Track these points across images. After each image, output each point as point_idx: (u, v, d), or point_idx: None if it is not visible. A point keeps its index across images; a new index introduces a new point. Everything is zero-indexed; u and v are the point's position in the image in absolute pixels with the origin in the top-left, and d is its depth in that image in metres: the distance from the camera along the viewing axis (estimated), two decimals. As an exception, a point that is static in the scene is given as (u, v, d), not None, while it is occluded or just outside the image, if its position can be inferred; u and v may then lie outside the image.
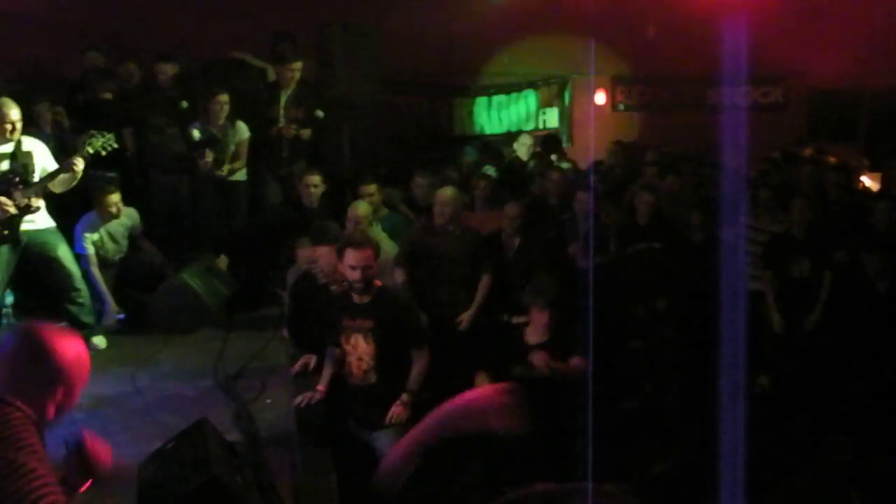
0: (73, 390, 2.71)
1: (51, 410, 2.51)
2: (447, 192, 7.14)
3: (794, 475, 5.36)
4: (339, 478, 5.07)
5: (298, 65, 8.80)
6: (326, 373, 5.82)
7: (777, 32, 10.44)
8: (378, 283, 5.57)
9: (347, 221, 7.05)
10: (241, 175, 8.78)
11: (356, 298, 5.49)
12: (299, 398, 5.68)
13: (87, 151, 6.70)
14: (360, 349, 5.47)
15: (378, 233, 7.28)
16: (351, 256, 5.36)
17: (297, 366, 6.38)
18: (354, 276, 5.38)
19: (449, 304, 6.97)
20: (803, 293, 7.31)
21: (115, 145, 6.92)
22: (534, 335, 6.30)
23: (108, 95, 8.89)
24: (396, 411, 5.41)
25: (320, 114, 8.85)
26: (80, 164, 6.61)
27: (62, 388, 2.57)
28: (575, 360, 5.98)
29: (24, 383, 2.39)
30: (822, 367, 7.03)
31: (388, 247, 7.03)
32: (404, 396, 5.45)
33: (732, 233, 6.94)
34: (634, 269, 7.42)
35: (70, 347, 2.73)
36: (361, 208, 7.14)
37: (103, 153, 6.86)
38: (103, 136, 6.78)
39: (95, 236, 7.58)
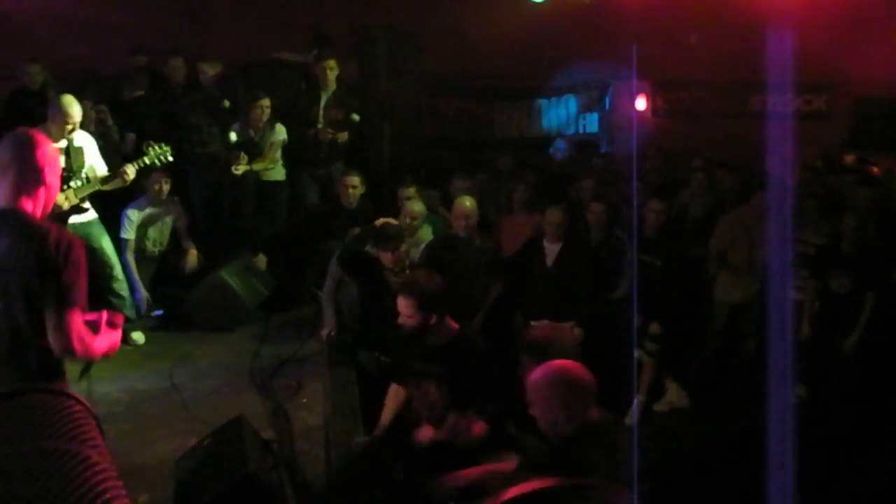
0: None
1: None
2: (464, 203, 7.08)
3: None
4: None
5: (333, 63, 8.82)
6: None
7: (821, 40, 10.32)
8: (454, 325, 5.06)
9: (403, 216, 7.20)
10: (279, 175, 8.83)
11: (430, 340, 5.01)
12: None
13: (143, 161, 6.79)
14: (431, 397, 5.00)
15: (427, 234, 7.40)
16: (399, 303, 4.98)
17: (324, 333, 6.89)
18: (404, 321, 4.99)
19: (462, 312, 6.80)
20: (843, 310, 7.15)
21: (171, 158, 6.99)
22: None
23: (143, 93, 9.03)
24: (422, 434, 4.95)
25: (356, 118, 8.86)
26: (131, 172, 6.69)
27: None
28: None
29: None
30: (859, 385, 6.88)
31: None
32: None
33: (780, 245, 6.82)
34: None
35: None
36: (417, 207, 7.24)
37: (157, 164, 6.97)
38: (160, 148, 6.86)
39: (140, 219, 7.73)
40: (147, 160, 6.82)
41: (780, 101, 9.40)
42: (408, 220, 7.26)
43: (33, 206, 3.50)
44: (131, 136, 8.76)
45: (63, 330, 3.36)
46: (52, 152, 3.64)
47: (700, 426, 6.90)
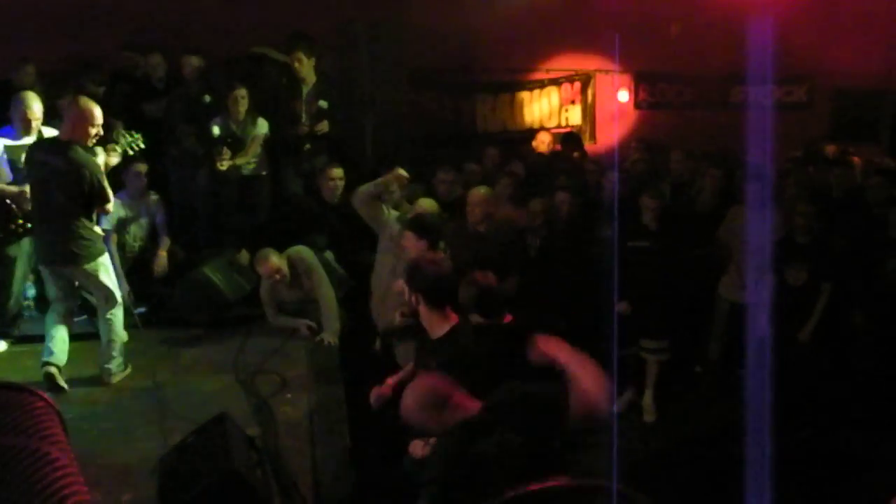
0: None
1: None
2: (479, 192, 7.07)
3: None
4: (357, 471, 5.07)
5: (300, 55, 8.79)
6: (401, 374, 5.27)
7: (801, 31, 10.35)
8: (455, 318, 4.95)
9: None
10: (261, 169, 8.80)
11: (430, 333, 4.92)
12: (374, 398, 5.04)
13: (115, 149, 6.78)
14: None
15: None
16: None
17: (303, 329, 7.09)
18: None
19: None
20: (799, 303, 7.11)
21: (142, 145, 7.02)
22: None
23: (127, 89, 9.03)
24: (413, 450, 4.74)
25: (324, 104, 8.82)
26: (113, 158, 6.70)
27: None
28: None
29: None
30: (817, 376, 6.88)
31: None
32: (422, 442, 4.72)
33: (759, 238, 6.82)
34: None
35: None
36: (427, 204, 7.17)
37: (130, 152, 6.98)
38: (131, 136, 6.90)
39: (119, 213, 7.71)
40: (119, 148, 6.80)
41: (761, 92, 9.39)
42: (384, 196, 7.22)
43: None
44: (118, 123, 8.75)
45: None
46: None
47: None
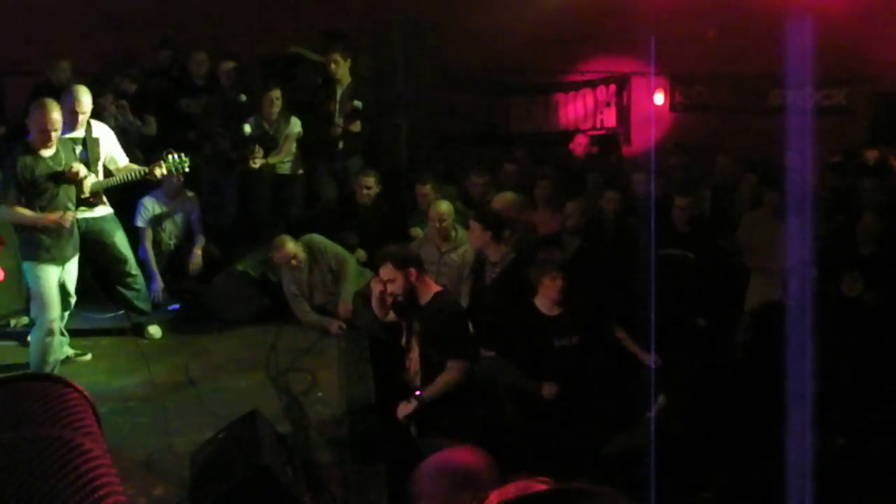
0: None
1: None
2: (504, 198, 7.09)
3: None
4: (387, 469, 5.06)
5: (338, 56, 8.82)
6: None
7: (841, 33, 10.23)
8: (436, 288, 5.54)
9: (430, 220, 7.16)
10: (295, 168, 8.84)
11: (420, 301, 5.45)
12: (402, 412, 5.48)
13: (161, 171, 6.82)
14: (413, 352, 5.49)
15: (462, 233, 7.27)
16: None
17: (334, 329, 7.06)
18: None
19: None
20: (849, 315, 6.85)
21: (188, 169, 7.05)
22: (545, 305, 6.18)
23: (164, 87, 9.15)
24: (402, 409, 5.41)
25: (359, 104, 8.84)
26: (158, 174, 6.81)
27: None
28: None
29: None
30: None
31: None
32: (412, 399, 5.38)
33: (800, 245, 6.67)
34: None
35: None
36: (444, 206, 7.18)
37: (174, 173, 7.03)
38: (180, 159, 6.88)
39: (155, 210, 7.79)
40: (165, 168, 6.82)
41: (800, 95, 9.27)
42: (437, 224, 7.18)
43: None
44: (151, 119, 8.82)
45: None
46: None
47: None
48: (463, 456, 3.04)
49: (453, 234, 7.17)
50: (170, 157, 6.83)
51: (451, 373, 5.34)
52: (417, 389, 5.39)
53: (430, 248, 7.02)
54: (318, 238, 7.40)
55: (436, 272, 6.65)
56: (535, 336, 6.09)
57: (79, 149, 6.58)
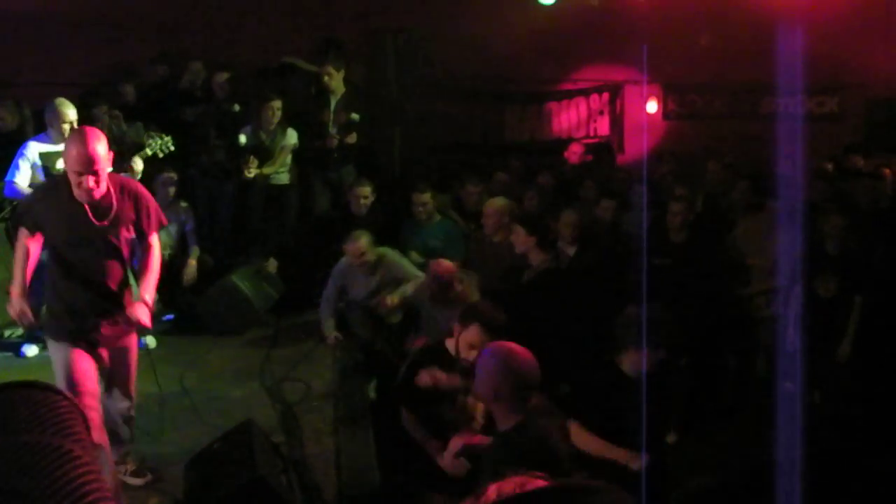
0: None
1: None
2: (495, 203, 7.07)
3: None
4: (382, 476, 5.05)
5: (332, 70, 8.86)
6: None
7: (832, 41, 10.29)
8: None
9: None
10: (288, 178, 8.86)
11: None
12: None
13: (146, 153, 6.89)
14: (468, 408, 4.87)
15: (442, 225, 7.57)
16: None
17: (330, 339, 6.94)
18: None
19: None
20: (830, 316, 6.87)
21: (172, 148, 7.11)
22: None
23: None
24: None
25: (355, 116, 8.87)
26: (138, 164, 6.83)
27: None
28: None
29: None
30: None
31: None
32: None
33: (790, 251, 6.68)
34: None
35: None
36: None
37: (160, 155, 7.06)
38: (161, 139, 6.97)
39: None
40: (149, 151, 6.91)
41: (792, 102, 9.33)
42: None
43: None
44: (139, 124, 8.85)
45: None
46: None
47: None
48: (527, 360, 3.82)
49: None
50: (152, 140, 6.94)
51: None
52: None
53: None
54: (393, 255, 7.21)
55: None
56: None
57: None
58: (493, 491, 1.22)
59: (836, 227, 7.06)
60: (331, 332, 7.05)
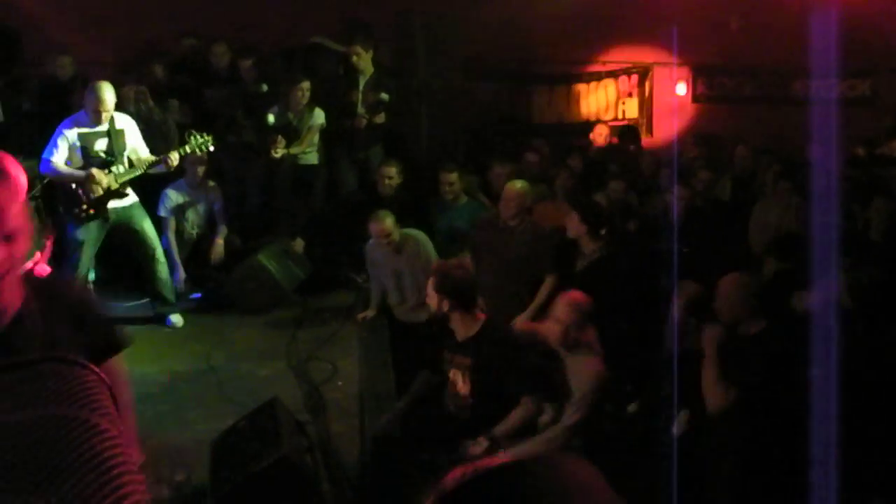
0: None
1: None
2: (515, 186, 6.92)
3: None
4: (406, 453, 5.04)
5: (360, 49, 8.85)
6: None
7: (866, 23, 10.13)
8: (482, 315, 5.05)
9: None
10: (316, 158, 8.87)
11: (458, 334, 5.01)
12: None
13: (185, 150, 6.94)
14: (458, 385, 4.99)
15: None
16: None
17: (360, 316, 7.00)
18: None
19: (509, 305, 6.40)
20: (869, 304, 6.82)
21: (211, 148, 7.15)
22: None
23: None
24: (472, 450, 4.74)
25: (385, 96, 8.86)
26: (175, 159, 6.90)
27: None
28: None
29: None
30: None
31: None
32: (482, 440, 4.78)
33: (825, 237, 6.53)
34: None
35: None
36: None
37: (199, 152, 7.12)
38: (202, 137, 7.00)
39: (178, 200, 7.90)
40: (188, 148, 6.98)
41: (824, 86, 9.19)
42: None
43: None
44: (175, 102, 8.87)
45: None
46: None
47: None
48: (587, 300, 4.91)
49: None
50: (192, 138, 6.98)
51: (522, 411, 4.84)
52: (463, 423, 4.94)
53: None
54: (421, 237, 7.11)
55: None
56: None
57: (101, 142, 6.71)
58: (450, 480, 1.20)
59: (881, 212, 6.94)
60: (372, 310, 7.05)
